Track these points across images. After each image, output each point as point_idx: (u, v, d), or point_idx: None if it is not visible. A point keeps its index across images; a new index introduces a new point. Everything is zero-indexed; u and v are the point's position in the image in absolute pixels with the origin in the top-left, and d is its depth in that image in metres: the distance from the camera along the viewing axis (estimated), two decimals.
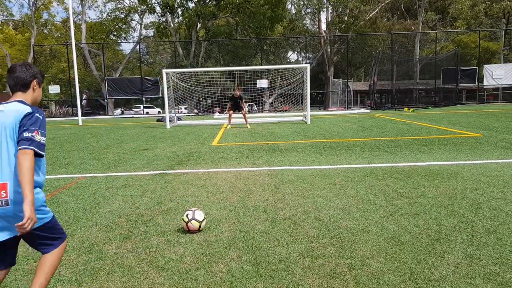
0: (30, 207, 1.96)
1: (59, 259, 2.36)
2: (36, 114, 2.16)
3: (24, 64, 2.32)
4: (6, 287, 2.76)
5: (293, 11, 44.06)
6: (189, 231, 3.64)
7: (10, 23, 45.60)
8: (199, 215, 3.65)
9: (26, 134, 2.06)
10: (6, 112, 2.16)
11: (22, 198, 1.99)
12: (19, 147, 2.04)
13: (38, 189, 2.18)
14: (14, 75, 2.26)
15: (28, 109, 2.16)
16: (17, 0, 64.61)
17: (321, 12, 42.54)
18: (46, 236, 2.27)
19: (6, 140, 2.10)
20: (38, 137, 2.09)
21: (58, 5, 40.07)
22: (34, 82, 2.30)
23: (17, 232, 2.05)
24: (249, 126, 14.97)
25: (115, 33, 42.67)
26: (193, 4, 36.05)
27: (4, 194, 2.04)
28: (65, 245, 2.42)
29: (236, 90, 15.31)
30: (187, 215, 3.65)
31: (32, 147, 2.04)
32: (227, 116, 16.09)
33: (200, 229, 3.65)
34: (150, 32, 45.33)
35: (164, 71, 16.77)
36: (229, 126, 15.49)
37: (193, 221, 3.62)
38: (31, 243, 2.30)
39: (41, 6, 38.88)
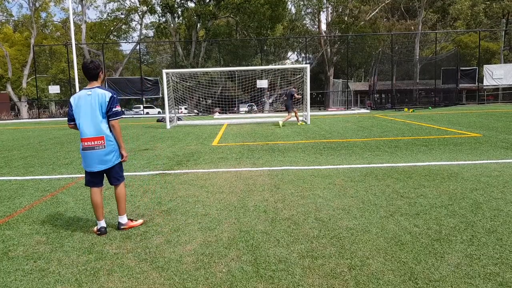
0: (125, 150, 3.75)
1: (124, 190, 3.84)
2: (114, 96, 3.60)
3: (92, 61, 3.64)
4: (6, 287, 2.76)
5: (293, 11, 44.13)
6: None
7: (11, 23, 45.59)
8: None
9: (114, 109, 3.56)
10: (93, 94, 3.52)
11: (109, 144, 3.57)
12: (112, 119, 3.56)
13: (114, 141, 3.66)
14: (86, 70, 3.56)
15: (109, 94, 3.55)
16: (16, 1, 64.61)
17: (321, 12, 42.63)
18: (117, 172, 3.75)
19: (100, 112, 3.53)
20: (118, 109, 3.59)
21: (55, 5, 39.96)
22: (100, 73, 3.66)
23: (108, 166, 3.64)
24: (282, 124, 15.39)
25: (115, 33, 42.69)
26: (193, 4, 36.06)
27: (103, 142, 3.57)
28: (124, 185, 3.87)
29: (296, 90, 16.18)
30: None
31: (118, 117, 3.61)
32: (227, 116, 16.04)
33: None
34: (150, 32, 45.41)
35: (164, 71, 16.75)
36: (300, 122, 16.11)
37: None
38: (109, 177, 3.75)
39: (39, 7, 38.85)
